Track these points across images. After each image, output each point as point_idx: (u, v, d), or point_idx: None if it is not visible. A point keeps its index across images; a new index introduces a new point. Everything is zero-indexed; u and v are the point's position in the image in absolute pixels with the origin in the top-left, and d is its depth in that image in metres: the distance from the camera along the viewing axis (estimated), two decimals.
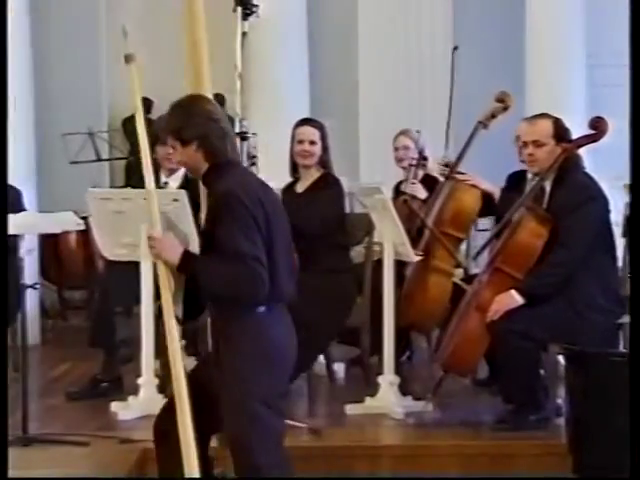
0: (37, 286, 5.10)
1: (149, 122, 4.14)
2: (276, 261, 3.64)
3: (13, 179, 6.63)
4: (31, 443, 4.73)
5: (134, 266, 5.21)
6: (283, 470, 3.67)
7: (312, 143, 5.66)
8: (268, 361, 3.64)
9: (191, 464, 3.59)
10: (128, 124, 8.87)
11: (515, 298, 4.87)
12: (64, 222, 5.18)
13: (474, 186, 5.43)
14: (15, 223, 5.09)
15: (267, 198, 3.73)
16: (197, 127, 3.70)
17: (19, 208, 6.28)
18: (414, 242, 5.44)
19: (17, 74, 7.70)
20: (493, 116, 5.62)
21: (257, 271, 3.55)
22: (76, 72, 8.22)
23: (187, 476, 3.60)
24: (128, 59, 3.82)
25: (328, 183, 5.67)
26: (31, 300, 5.94)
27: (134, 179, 6.50)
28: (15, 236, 5.00)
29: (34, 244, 6.98)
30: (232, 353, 3.64)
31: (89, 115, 8.80)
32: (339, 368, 6.09)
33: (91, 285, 7.52)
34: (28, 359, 4.91)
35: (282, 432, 3.72)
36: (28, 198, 6.78)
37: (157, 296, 4.34)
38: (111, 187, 8.92)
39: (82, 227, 5.27)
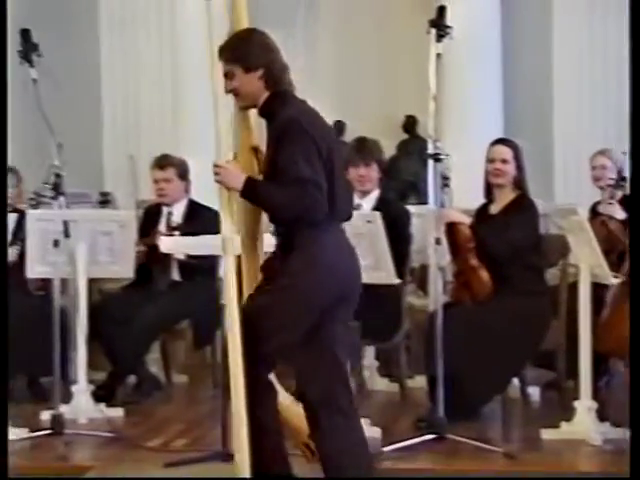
0: None
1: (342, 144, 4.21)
2: (335, 183, 3.78)
3: (211, 201, 6.83)
4: (230, 459, 4.82)
5: None
6: None
7: (504, 162, 5.58)
8: (323, 270, 3.75)
9: (243, 465, 3.75)
10: None
11: None
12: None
13: None
14: (213, 244, 5.23)
15: (326, 126, 3.89)
16: (263, 55, 3.82)
17: (217, 230, 6.45)
18: (615, 266, 5.29)
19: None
20: None
21: (316, 196, 3.69)
22: None
23: (237, 476, 3.74)
24: None
25: (523, 206, 5.57)
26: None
27: None
28: (214, 257, 5.14)
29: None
30: (294, 261, 3.77)
31: None
32: (534, 392, 5.98)
33: None
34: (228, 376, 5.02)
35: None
36: None
37: None
38: None
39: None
